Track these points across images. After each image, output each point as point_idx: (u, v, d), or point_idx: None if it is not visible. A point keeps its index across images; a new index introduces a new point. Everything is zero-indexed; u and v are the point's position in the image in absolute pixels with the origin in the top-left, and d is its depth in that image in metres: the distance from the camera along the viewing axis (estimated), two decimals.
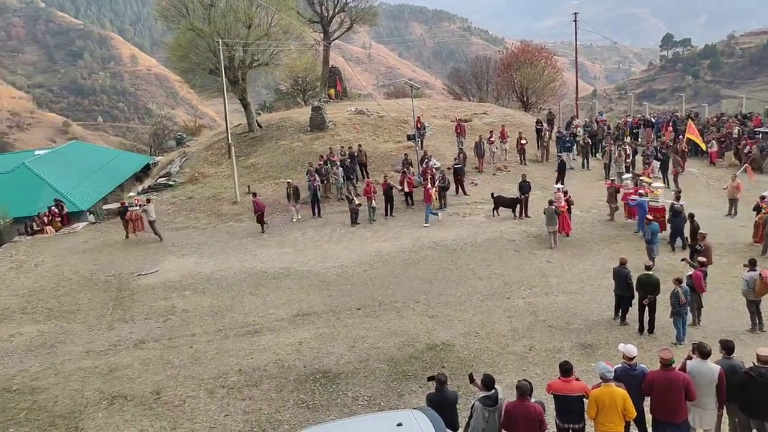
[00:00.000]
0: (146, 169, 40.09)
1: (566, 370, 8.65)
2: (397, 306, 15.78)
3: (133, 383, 12.87)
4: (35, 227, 27.06)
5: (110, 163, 39.74)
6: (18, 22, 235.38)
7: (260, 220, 23.66)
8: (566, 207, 20.20)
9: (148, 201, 24.72)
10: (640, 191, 20.61)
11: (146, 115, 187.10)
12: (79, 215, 29.47)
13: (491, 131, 29.88)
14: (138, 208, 24.44)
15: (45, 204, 28.93)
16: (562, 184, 23.56)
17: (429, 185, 22.97)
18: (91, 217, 29.27)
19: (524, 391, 8.18)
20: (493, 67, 50.73)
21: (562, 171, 25.55)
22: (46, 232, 26.67)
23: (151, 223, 23.71)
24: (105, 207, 29.72)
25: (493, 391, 8.42)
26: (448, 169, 25.70)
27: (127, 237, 24.20)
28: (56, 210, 28.00)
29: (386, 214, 23.92)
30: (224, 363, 13.39)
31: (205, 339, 14.79)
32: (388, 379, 12.18)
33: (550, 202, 19.81)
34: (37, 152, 41.19)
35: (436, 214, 23.13)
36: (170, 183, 30.71)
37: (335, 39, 45.19)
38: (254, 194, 25.14)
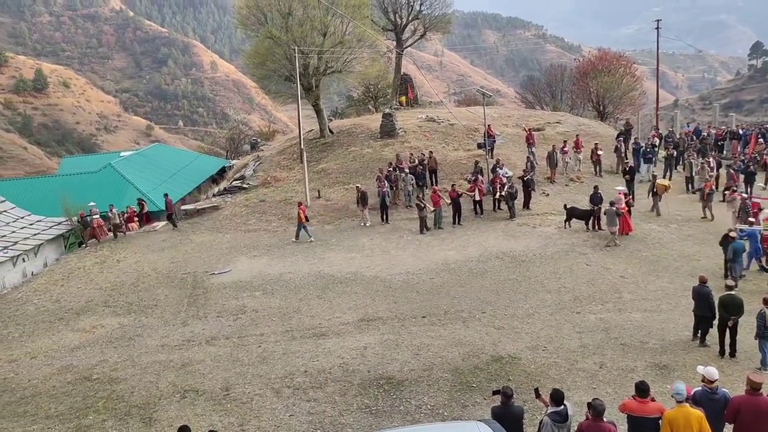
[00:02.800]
0: (222, 172, 41.55)
1: (643, 390, 8.28)
2: (463, 315, 15.62)
3: (204, 378, 13.31)
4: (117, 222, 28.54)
5: (189, 166, 41.43)
6: (108, 30, 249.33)
7: (170, 218, 27.33)
8: (626, 209, 20.46)
9: (112, 206, 27.23)
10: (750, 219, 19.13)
11: (223, 119, 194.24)
12: (159, 215, 30.84)
13: (565, 141, 29.19)
14: (97, 216, 26.77)
15: (128, 203, 30.48)
16: (631, 188, 23.75)
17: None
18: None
19: (599, 411, 7.89)
20: (569, 76, 49.67)
21: (632, 175, 24.84)
22: (129, 230, 28.06)
23: (116, 226, 26.79)
24: (183, 207, 30.94)
25: (563, 407, 8.19)
26: (519, 178, 25.27)
27: (86, 245, 26.14)
28: (137, 209, 29.45)
29: (454, 223, 23.77)
30: (291, 364, 13.64)
31: (272, 339, 15.12)
32: (452, 389, 12.06)
33: (611, 204, 20.30)
34: (122, 153, 43.51)
35: (309, 237, 23.50)
36: (244, 186, 31.64)
37: (408, 47, 45.37)
38: (165, 195, 28.41)
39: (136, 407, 12.33)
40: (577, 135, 30.13)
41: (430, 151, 28.85)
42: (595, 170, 28.14)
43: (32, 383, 14.03)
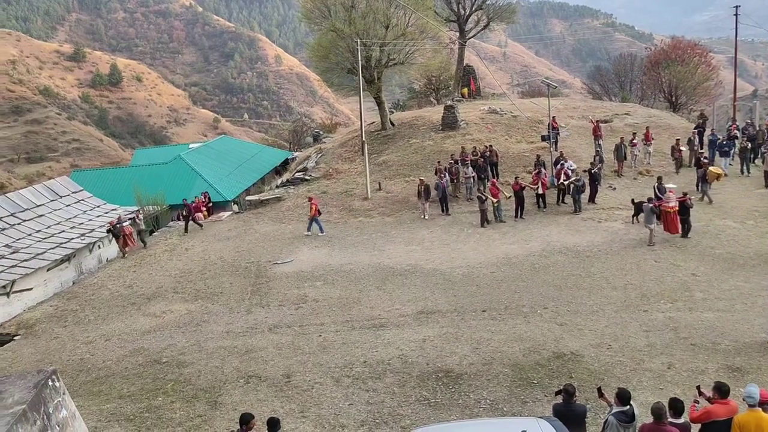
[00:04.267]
0: (285, 164, 42.39)
1: (725, 392, 7.84)
2: (524, 311, 15.38)
3: (266, 365, 13.64)
4: (185, 214, 29.53)
5: (254, 157, 42.45)
6: (179, 26, 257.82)
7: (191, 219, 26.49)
8: (676, 208, 19.48)
9: (138, 212, 26.38)
10: None
11: (287, 112, 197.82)
12: (225, 205, 31.77)
13: (634, 133, 28.18)
14: (127, 222, 25.08)
15: (196, 194, 31.55)
16: (704, 188, 22.87)
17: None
18: (235, 207, 31.46)
19: (660, 414, 7.59)
20: (639, 65, 47.95)
21: (704, 169, 23.51)
22: (200, 218, 28.98)
23: (141, 232, 25.51)
24: (247, 198, 31.74)
25: (629, 406, 7.94)
26: (584, 171, 24.59)
27: (123, 255, 24.45)
28: (203, 200, 30.42)
29: (516, 216, 23.40)
30: (350, 354, 13.79)
31: (333, 329, 15.33)
32: (512, 384, 11.91)
33: (649, 200, 19.69)
34: (191, 145, 44.99)
35: (321, 231, 23.78)
36: (306, 178, 32.14)
37: (471, 37, 44.83)
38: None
39: (202, 390, 12.77)
40: (647, 127, 29.03)
41: (491, 145, 28.44)
42: (676, 169, 26.63)
43: (106, 364, 14.75)
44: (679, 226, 19.60)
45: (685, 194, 19.73)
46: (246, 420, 8.53)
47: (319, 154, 36.08)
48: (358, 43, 29.58)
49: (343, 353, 13.84)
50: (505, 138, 31.65)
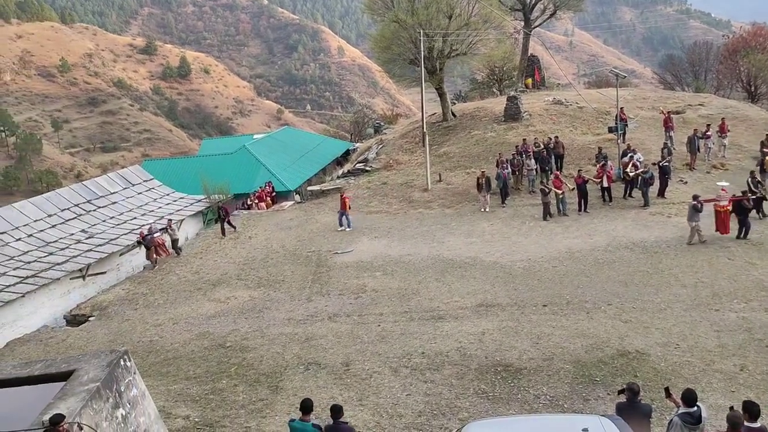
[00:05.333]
0: (346, 155, 42.74)
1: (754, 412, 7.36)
2: (587, 306, 15.00)
3: (326, 353, 13.85)
4: (249, 203, 30.32)
5: (316, 148, 43.02)
6: (245, 19, 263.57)
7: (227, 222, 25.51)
8: (727, 207, 18.55)
9: (171, 221, 24.69)
10: None
11: (348, 103, 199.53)
12: (287, 195, 32.37)
13: (708, 125, 26.91)
14: (159, 233, 23.90)
15: (260, 183, 32.27)
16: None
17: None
18: (297, 197, 32.00)
19: (736, 423, 7.11)
20: (715, 54, 45.68)
21: None
22: (259, 209, 29.71)
23: (175, 241, 24.04)
24: (309, 188, 32.24)
25: (696, 408, 7.63)
26: (653, 164, 23.69)
27: (154, 266, 22.89)
28: (267, 189, 31.10)
29: (580, 210, 22.81)
30: (408, 344, 13.83)
31: (391, 319, 15.40)
32: (573, 381, 11.66)
33: (694, 197, 18.59)
34: (255, 136, 46.01)
35: (349, 224, 23.70)
36: (367, 168, 32.33)
37: (536, 27, 43.82)
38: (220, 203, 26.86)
39: (264, 375, 13.10)
40: (722, 118, 27.64)
41: (556, 136, 27.78)
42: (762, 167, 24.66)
43: (174, 347, 15.34)
44: (728, 226, 18.62)
45: (744, 193, 18.65)
46: (307, 407, 8.64)
47: (380, 145, 36.20)
48: (421, 33, 29.42)
49: (402, 343, 13.89)
50: (569, 129, 30.85)
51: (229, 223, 25.62)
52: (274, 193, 31.84)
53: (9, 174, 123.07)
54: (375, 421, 10.84)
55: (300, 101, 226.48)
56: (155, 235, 23.49)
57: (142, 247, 23.27)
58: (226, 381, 13.02)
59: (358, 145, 44.82)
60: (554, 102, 34.61)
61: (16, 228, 22.87)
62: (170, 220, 24.79)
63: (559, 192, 22.69)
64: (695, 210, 18.34)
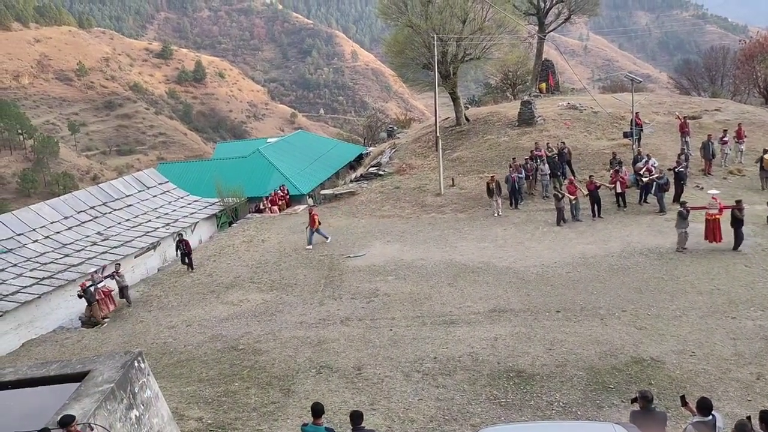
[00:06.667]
0: (359, 159, 42.81)
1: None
2: (601, 313, 14.89)
3: (338, 356, 13.86)
4: (262, 207, 30.47)
5: (329, 152, 43.13)
6: (259, 23, 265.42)
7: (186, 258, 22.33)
8: (717, 216, 18.46)
9: (118, 266, 20.69)
10: None
11: (362, 108, 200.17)
12: (300, 198, 32.48)
13: (725, 130, 26.66)
14: (105, 281, 19.87)
15: (273, 187, 32.42)
16: None
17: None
18: (310, 201, 32.09)
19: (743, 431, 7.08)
20: (731, 59, 45.27)
21: None
22: (272, 212, 29.83)
23: (125, 289, 20.08)
24: (322, 192, 32.32)
25: (710, 417, 7.54)
26: (669, 170, 23.49)
27: (99, 324, 18.80)
28: (281, 193, 31.23)
29: (593, 216, 22.67)
30: (420, 349, 13.80)
31: (404, 324, 15.38)
32: (587, 388, 11.57)
33: (682, 204, 18.81)
34: (269, 140, 46.22)
35: (326, 237, 22.97)
36: (380, 173, 32.36)
37: (551, 31, 43.67)
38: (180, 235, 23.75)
39: (276, 378, 13.13)
40: (739, 124, 27.36)
41: (563, 141, 27.63)
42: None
43: (187, 348, 15.42)
44: (720, 235, 18.43)
45: (738, 202, 18.38)
46: (318, 411, 8.65)
47: (393, 150, 36.23)
48: (434, 38, 29.44)
49: (414, 348, 13.87)
50: (584, 134, 30.69)
51: (188, 259, 22.32)
52: (288, 197, 31.96)
53: (26, 176, 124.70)
54: (387, 426, 10.83)
55: (313, 105, 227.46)
56: (99, 285, 19.44)
57: (85, 300, 19.20)
58: (238, 383, 13.06)
59: (371, 149, 44.88)
60: (568, 107, 34.46)
61: (33, 230, 23.15)
62: (118, 264, 20.84)
63: (573, 197, 22.57)
64: (681, 217, 18.34)
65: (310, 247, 22.52)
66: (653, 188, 22.66)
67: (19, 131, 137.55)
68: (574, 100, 36.32)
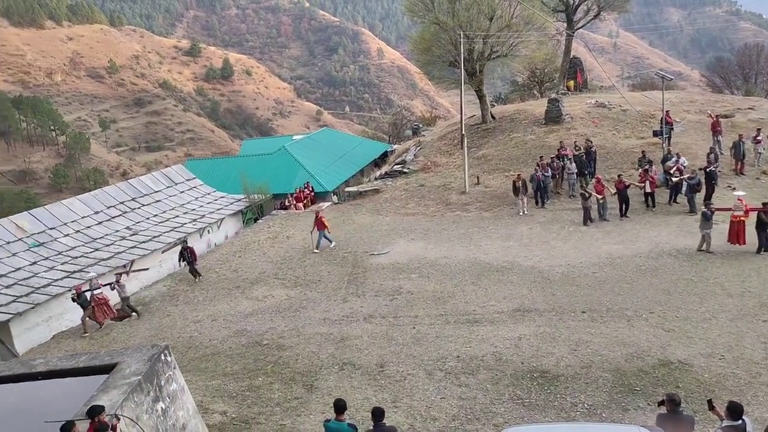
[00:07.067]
0: (384, 156, 42.81)
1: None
2: (627, 314, 14.68)
3: (360, 353, 13.90)
4: (287, 203, 30.68)
5: (354, 150, 43.21)
6: (286, 21, 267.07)
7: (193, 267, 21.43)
8: (742, 218, 18.02)
9: (119, 276, 19.55)
10: None
11: (387, 105, 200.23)
12: (325, 195, 32.61)
13: (759, 129, 26.03)
14: (102, 288, 19.02)
15: (298, 184, 32.60)
16: None
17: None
18: (335, 198, 32.21)
19: None
20: (766, 56, 44.22)
21: None
22: (296, 209, 30.01)
23: (124, 300, 19.07)
24: (346, 189, 32.41)
25: (741, 421, 7.39)
26: (700, 170, 23.04)
27: (85, 332, 18.18)
28: (306, 190, 31.41)
29: (621, 215, 22.34)
30: (443, 347, 13.76)
31: (427, 322, 15.35)
32: (612, 390, 11.42)
33: (706, 204, 18.70)
34: (294, 137, 46.45)
35: (330, 241, 22.43)
36: (405, 170, 32.33)
37: (579, 28, 43.16)
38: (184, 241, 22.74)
39: (299, 374, 13.21)
40: None
41: (589, 140, 27.26)
42: None
43: (212, 343, 15.61)
44: (744, 238, 18.01)
45: (765, 204, 17.85)
46: (340, 407, 8.68)
47: (418, 147, 36.16)
48: (461, 35, 29.29)
49: (437, 346, 13.83)
50: (612, 133, 30.26)
51: (193, 267, 21.44)
52: (313, 194, 32.12)
53: (59, 172, 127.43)
54: (409, 424, 10.82)
55: (339, 103, 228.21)
56: (96, 291, 18.80)
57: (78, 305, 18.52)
58: (262, 378, 13.18)
59: (396, 146, 44.86)
60: (597, 105, 34.02)
61: (65, 224, 23.64)
62: (119, 274, 19.69)
63: (600, 197, 22.27)
64: (705, 218, 18.00)
65: (318, 250, 22.06)
66: (684, 188, 22.26)
67: (52, 128, 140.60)
68: (602, 98, 35.84)
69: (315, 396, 12.19)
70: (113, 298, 19.12)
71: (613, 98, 35.19)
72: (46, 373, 10.61)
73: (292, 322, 16.32)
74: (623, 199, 22.21)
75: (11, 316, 18.26)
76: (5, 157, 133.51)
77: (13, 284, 19.67)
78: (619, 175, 22.94)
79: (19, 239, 21.83)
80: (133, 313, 18.88)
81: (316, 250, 22.10)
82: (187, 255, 21.47)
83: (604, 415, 10.64)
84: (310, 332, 15.42)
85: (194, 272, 21.40)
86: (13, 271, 20.32)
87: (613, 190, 22.51)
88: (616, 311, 14.86)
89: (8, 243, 21.42)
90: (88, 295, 18.50)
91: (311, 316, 16.61)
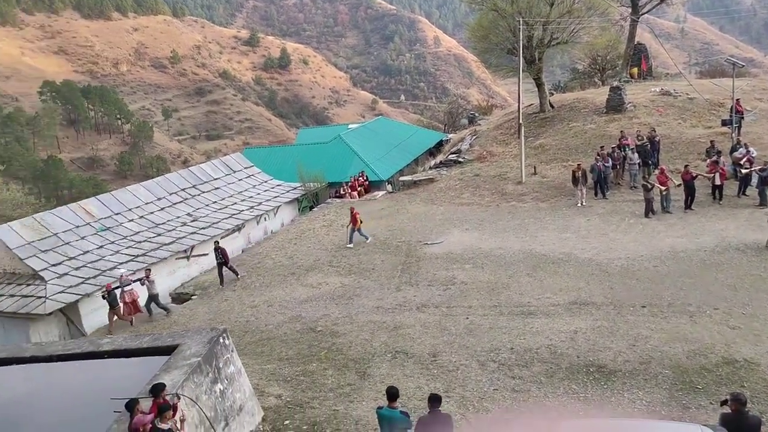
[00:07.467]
0: (439, 146, 42.56)
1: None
2: (690, 310, 14.16)
3: (413, 342, 13.92)
4: (342, 192, 30.94)
5: (409, 139, 43.11)
6: (343, 10, 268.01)
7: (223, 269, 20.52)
8: None
9: (149, 271, 19.30)
10: None
11: (443, 94, 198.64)
12: (380, 184, 32.71)
13: None
14: (133, 285, 18.64)
15: (353, 172, 32.82)
16: None
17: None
18: (389, 187, 32.26)
19: None
20: None
21: None
22: (351, 197, 30.24)
23: (154, 297, 18.89)
24: (401, 178, 32.40)
25: None
26: None
27: (110, 332, 17.79)
28: (361, 179, 31.60)
29: (686, 207, 21.52)
30: (497, 339, 13.63)
31: (480, 312, 15.24)
32: (672, 387, 11.06)
33: None
34: (349, 126, 46.70)
35: (366, 237, 21.97)
36: (460, 160, 32.04)
37: (645, 13, 41.46)
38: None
39: (352, 361, 13.36)
40: None
41: (653, 129, 26.29)
42: None
43: (268, 328, 15.96)
44: None
45: None
46: (393, 394, 8.73)
47: (474, 136, 35.76)
48: (520, 22, 28.69)
49: (490, 338, 13.72)
50: (678, 122, 29.13)
51: (230, 268, 20.67)
52: (367, 183, 32.27)
53: (124, 159, 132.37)
54: (461, 414, 10.78)
55: (394, 92, 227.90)
56: (126, 288, 18.41)
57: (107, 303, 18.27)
58: (316, 364, 13.39)
59: (451, 136, 44.49)
60: (662, 93, 32.77)
61: (130, 210, 24.55)
62: (148, 269, 19.51)
63: (663, 188, 21.49)
64: None
65: (351, 245, 21.77)
66: (754, 180, 21.24)
67: (118, 116, 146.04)
68: (668, 86, 34.52)
69: (368, 383, 12.30)
70: (142, 294, 18.88)
71: (680, 86, 33.83)
72: (112, 352, 11.11)
73: (346, 309, 16.50)
74: (689, 191, 21.38)
75: (80, 296, 19.21)
76: (75, 145, 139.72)
77: (81, 266, 20.61)
78: (685, 166, 22.08)
79: (88, 224, 22.80)
80: (162, 310, 18.81)
81: (349, 245, 21.83)
82: (219, 256, 20.49)
83: (663, 412, 10.34)
84: (363, 320, 15.55)
85: (228, 272, 20.46)
86: (82, 254, 21.27)
87: (678, 181, 21.70)
88: (678, 306, 14.36)
89: (77, 227, 22.40)
90: (118, 292, 18.26)
91: (365, 304, 16.74)
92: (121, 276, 18.92)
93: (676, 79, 40.74)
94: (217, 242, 21.36)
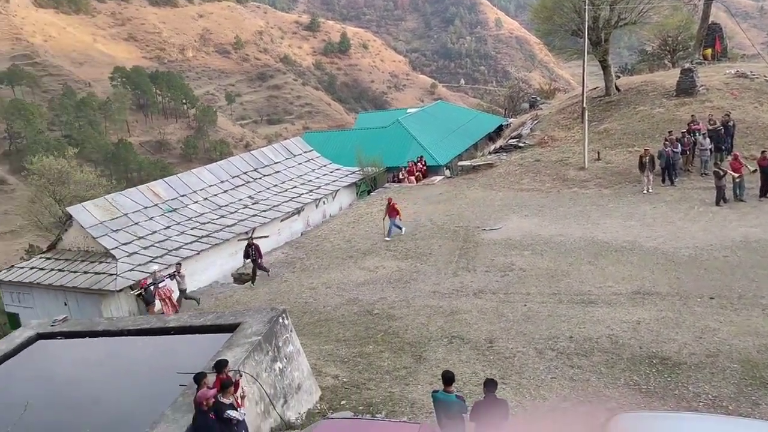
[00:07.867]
0: (499, 130, 41.90)
1: None
2: (762, 302, 13.52)
3: (470, 328, 13.87)
4: (400, 177, 30.93)
5: (468, 123, 42.59)
6: None
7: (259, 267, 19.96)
8: None
9: (179, 266, 19.34)
10: None
11: (504, 77, 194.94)
12: (438, 169, 32.54)
13: None
14: (166, 281, 18.48)
15: (411, 157, 32.76)
16: None
17: None
18: (447, 172, 32.05)
19: None
20: None
21: None
22: (409, 182, 30.21)
23: (183, 292, 18.92)
24: (459, 163, 32.12)
25: None
26: None
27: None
28: (419, 164, 31.51)
29: (761, 196, 20.47)
30: (555, 327, 13.41)
31: (539, 300, 15.01)
32: (741, 382, 10.62)
33: None
34: (408, 110, 46.52)
35: (400, 228, 21.39)
36: (520, 145, 31.47)
37: None
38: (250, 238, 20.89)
39: (408, 344, 13.43)
40: None
41: (728, 113, 25.01)
42: None
43: (326, 309, 16.22)
44: None
45: None
46: (449, 379, 8.74)
47: (535, 121, 35.01)
48: (586, 2, 27.76)
49: (548, 325, 13.51)
50: (754, 106, 27.65)
51: (260, 266, 20.03)
52: (425, 167, 32.16)
53: (189, 143, 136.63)
54: (517, 401, 10.70)
55: (454, 75, 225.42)
56: (161, 285, 18.23)
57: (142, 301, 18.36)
58: (372, 346, 13.53)
59: (511, 120, 43.71)
60: (737, 75, 31.15)
61: (194, 192, 25.33)
62: (179, 264, 19.51)
63: (737, 175, 20.49)
64: None
65: (389, 238, 21.32)
66: None
67: (184, 101, 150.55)
68: (744, 68, 32.76)
69: (423, 366, 12.35)
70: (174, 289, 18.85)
71: (757, 68, 32.07)
72: (177, 328, 11.58)
73: (403, 293, 16.57)
74: (766, 178, 20.30)
75: (147, 275, 19.96)
76: (143, 129, 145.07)
77: (149, 246, 21.44)
78: (763, 152, 20.96)
79: (155, 205, 23.67)
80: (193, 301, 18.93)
81: (387, 238, 21.43)
82: (252, 252, 19.98)
83: (730, 408, 9.96)
84: (419, 304, 15.59)
85: (254, 275, 19.88)
86: (150, 234, 22.12)
87: (753, 168, 20.64)
88: (750, 299, 13.75)
89: (146, 208, 23.29)
90: (152, 288, 18.01)
91: (421, 288, 16.77)
92: (154, 272, 18.77)
93: (753, 61, 38.64)
94: (251, 238, 20.80)
